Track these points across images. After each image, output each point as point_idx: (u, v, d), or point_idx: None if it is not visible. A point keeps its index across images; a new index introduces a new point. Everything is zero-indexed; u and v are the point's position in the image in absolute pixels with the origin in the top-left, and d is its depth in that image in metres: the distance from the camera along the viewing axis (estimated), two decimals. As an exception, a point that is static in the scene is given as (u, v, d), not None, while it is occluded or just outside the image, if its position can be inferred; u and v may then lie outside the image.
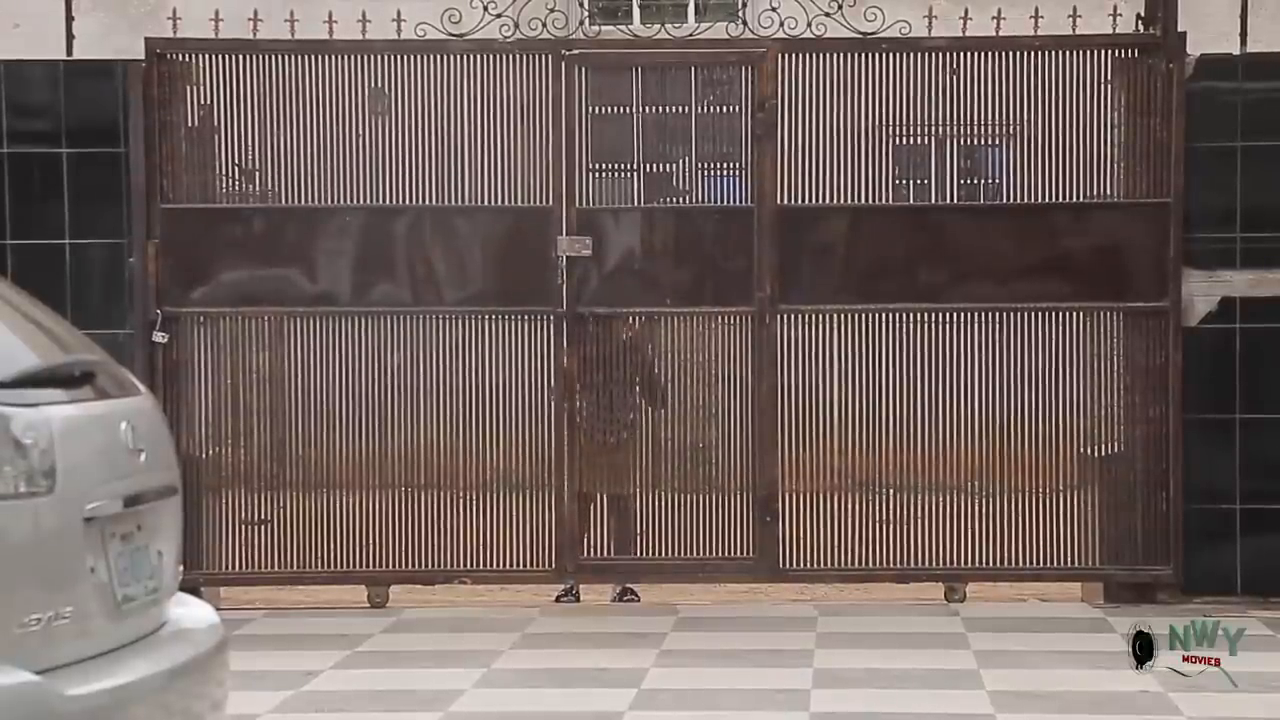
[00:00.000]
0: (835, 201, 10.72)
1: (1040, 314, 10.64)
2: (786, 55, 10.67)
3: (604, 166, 11.08)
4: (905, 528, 10.76)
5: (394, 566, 10.83)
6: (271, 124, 10.76)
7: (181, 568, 5.35)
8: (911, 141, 11.12)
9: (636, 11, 19.00)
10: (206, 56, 10.76)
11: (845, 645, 9.63)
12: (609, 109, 11.03)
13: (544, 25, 10.60)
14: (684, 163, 11.09)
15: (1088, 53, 10.61)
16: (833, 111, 10.68)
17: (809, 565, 10.78)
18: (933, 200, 11.05)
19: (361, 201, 10.79)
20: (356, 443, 10.84)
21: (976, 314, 10.70)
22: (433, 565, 10.80)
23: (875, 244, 10.73)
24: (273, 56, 10.76)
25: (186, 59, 10.77)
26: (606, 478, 10.91)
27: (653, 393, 10.87)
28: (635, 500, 10.91)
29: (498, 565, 10.83)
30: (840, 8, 10.51)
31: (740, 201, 10.89)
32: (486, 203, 10.78)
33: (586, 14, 11.22)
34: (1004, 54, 10.66)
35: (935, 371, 10.68)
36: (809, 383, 10.73)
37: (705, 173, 11.13)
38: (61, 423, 4.61)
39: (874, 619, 10.46)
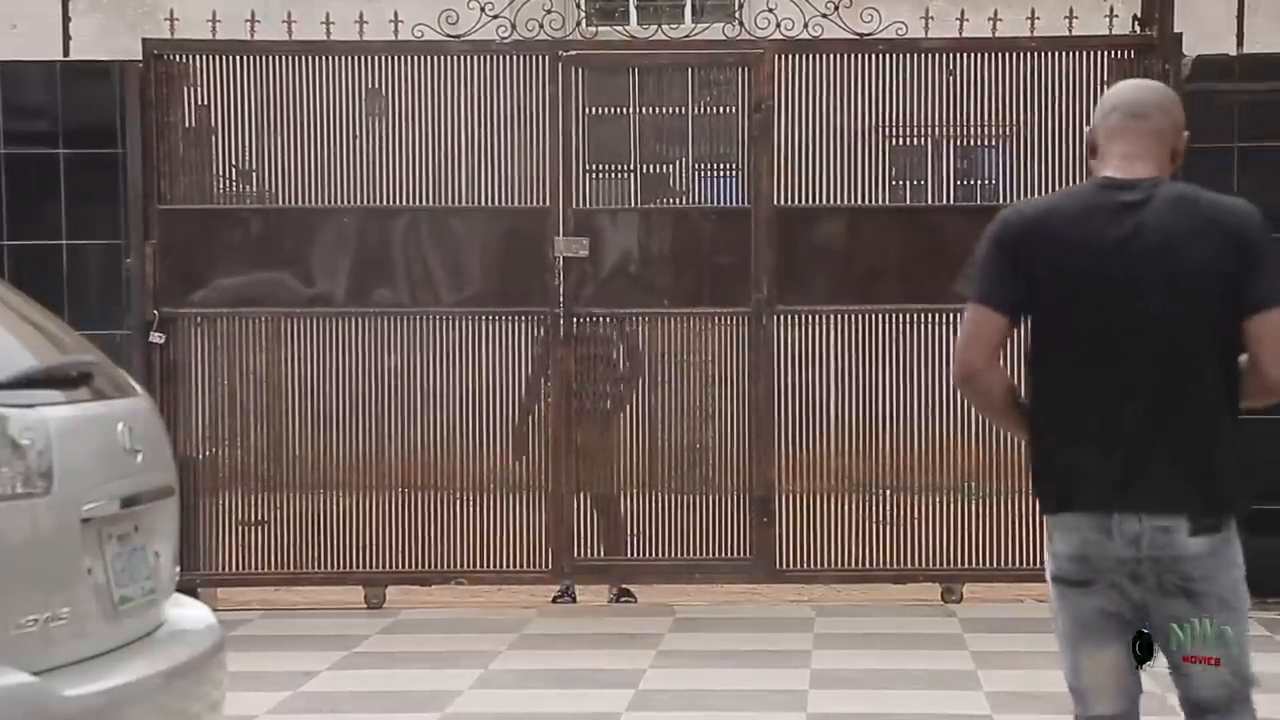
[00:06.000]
0: (832, 202, 10.73)
1: (1037, 315, 10.63)
2: (783, 56, 10.67)
3: (601, 167, 11.08)
4: (902, 528, 10.77)
5: (391, 567, 10.83)
6: (269, 125, 10.76)
7: (178, 568, 5.35)
8: (908, 142, 11.12)
9: (633, 12, 19.00)
10: (204, 57, 10.76)
11: (842, 646, 9.63)
12: (606, 110, 11.03)
13: (541, 26, 10.60)
14: (681, 163, 11.10)
15: (1084, 54, 10.61)
16: (829, 112, 10.68)
17: (806, 566, 10.78)
18: (929, 201, 11.06)
19: (358, 203, 10.79)
20: (353, 444, 10.84)
21: (974, 315, 10.67)
22: (430, 566, 10.81)
23: (872, 245, 10.73)
24: (270, 57, 10.77)
25: (184, 60, 10.77)
26: (603, 479, 10.92)
27: (629, 381, 10.88)
28: (632, 501, 10.91)
29: (495, 566, 10.84)
30: (837, 9, 10.51)
31: (737, 202, 10.89)
32: (483, 204, 10.78)
33: (583, 15, 11.25)
34: (1000, 55, 10.66)
35: (932, 372, 10.67)
36: (806, 383, 10.74)
37: (702, 173, 11.14)
38: (58, 423, 4.61)
39: (871, 620, 10.46)
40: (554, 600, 11.00)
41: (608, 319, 10.84)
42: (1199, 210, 4.72)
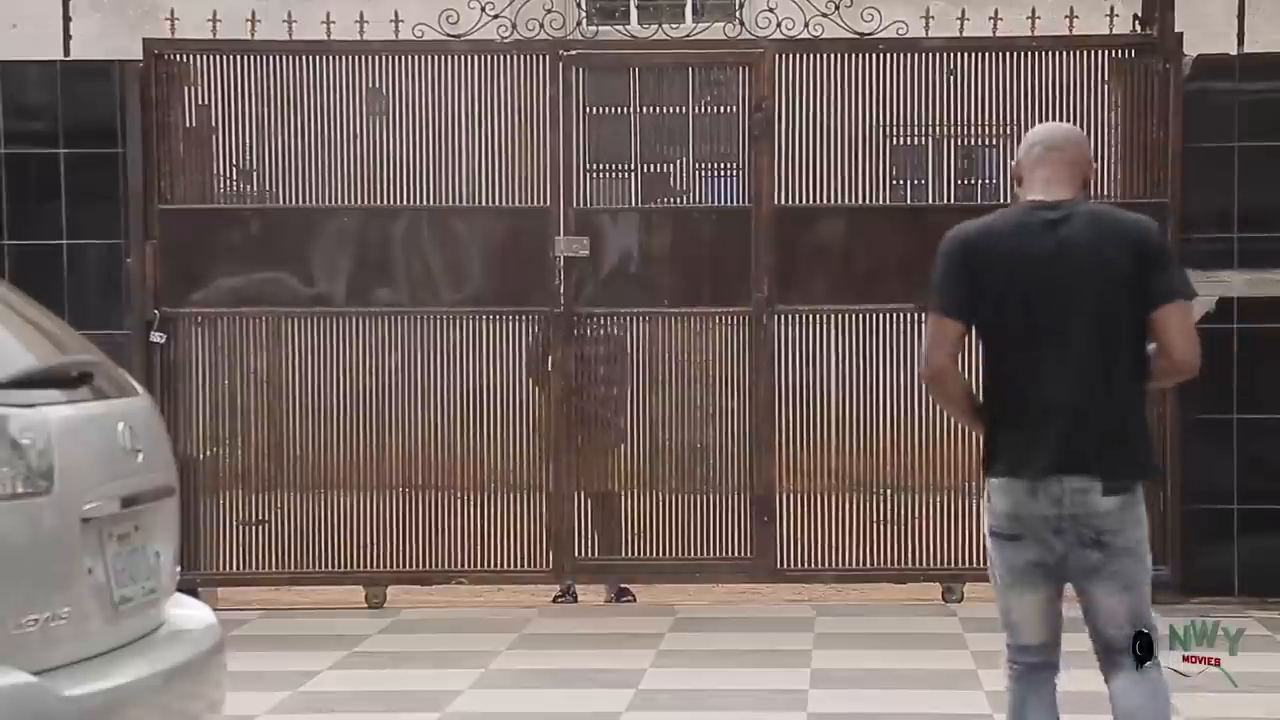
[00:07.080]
0: (832, 202, 10.73)
1: (1037, 314, 10.63)
2: (783, 56, 10.66)
3: (601, 167, 11.08)
4: (903, 528, 10.76)
5: (391, 567, 10.84)
6: (269, 125, 10.76)
7: (179, 568, 5.35)
8: (908, 142, 11.12)
9: (634, 12, 18.99)
10: (204, 57, 10.76)
11: (843, 645, 9.63)
12: (606, 109, 11.03)
13: (541, 26, 10.60)
14: (681, 163, 11.10)
15: (1084, 53, 10.61)
16: (829, 112, 10.68)
17: (806, 565, 10.79)
18: (929, 201, 11.06)
19: (359, 202, 10.79)
20: (354, 443, 10.84)
21: (973, 314, 10.68)
22: (430, 565, 10.81)
23: (872, 244, 10.73)
24: (270, 57, 10.77)
25: (184, 59, 10.77)
26: (604, 478, 10.91)
27: (620, 386, 10.90)
28: (632, 501, 10.91)
29: (495, 565, 10.84)
30: (837, 8, 10.50)
31: (737, 202, 10.89)
32: (484, 203, 10.78)
33: (583, 14, 11.23)
34: (1001, 55, 10.66)
35: (932, 372, 10.66)
36: (806, 383, 10.74)
37: (702, 173, 11.14)
38: (59, 423, 4.61)
39: (871, 619, 10.47)
40: (555, 600, 11.00)
41: (607, 319, 10.84)
42: (1109, 225, 5.62)
